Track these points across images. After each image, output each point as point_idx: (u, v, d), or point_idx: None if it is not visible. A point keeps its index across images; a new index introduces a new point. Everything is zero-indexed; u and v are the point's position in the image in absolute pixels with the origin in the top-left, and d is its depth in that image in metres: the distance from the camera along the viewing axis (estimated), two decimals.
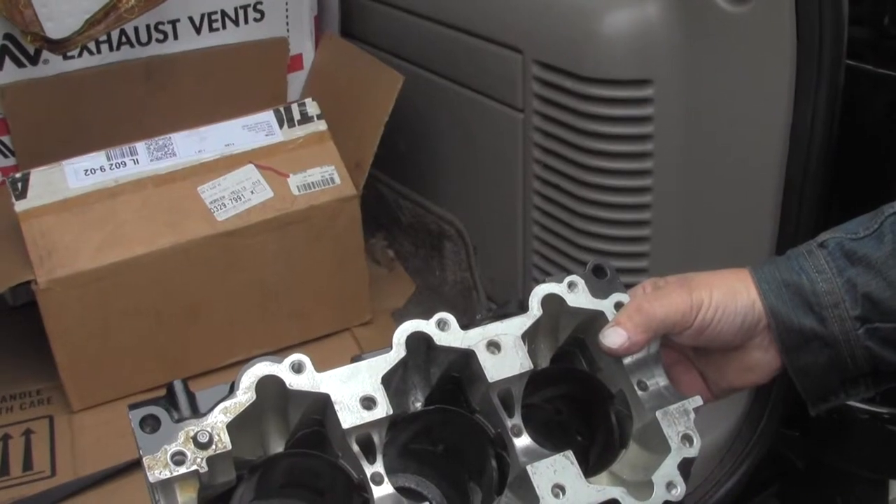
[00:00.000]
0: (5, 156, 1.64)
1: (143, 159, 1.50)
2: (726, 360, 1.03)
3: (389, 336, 0.97)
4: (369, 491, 0.91)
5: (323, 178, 1.54)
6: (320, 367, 0.98)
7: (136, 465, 1.35)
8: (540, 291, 1.01)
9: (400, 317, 1.72)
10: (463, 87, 1.57)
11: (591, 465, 1.05)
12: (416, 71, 1.63)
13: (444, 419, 1.00)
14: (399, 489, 1.07)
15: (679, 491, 0.95)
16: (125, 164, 1.49)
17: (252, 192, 1.50)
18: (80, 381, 1.49)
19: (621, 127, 1.33)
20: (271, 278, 1.53)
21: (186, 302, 1.48)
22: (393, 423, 0.99)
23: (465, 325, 0.98)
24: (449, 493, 1.09)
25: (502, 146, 1.52)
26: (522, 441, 0.97)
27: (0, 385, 1.57)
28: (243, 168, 1.52)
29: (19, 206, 1.44)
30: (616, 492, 0.94)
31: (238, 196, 1.49)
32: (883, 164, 1.25)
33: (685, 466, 0.97)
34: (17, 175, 1.46)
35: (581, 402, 1.09)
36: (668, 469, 0.96)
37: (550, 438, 1.14)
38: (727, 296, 0.98)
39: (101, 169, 1.48)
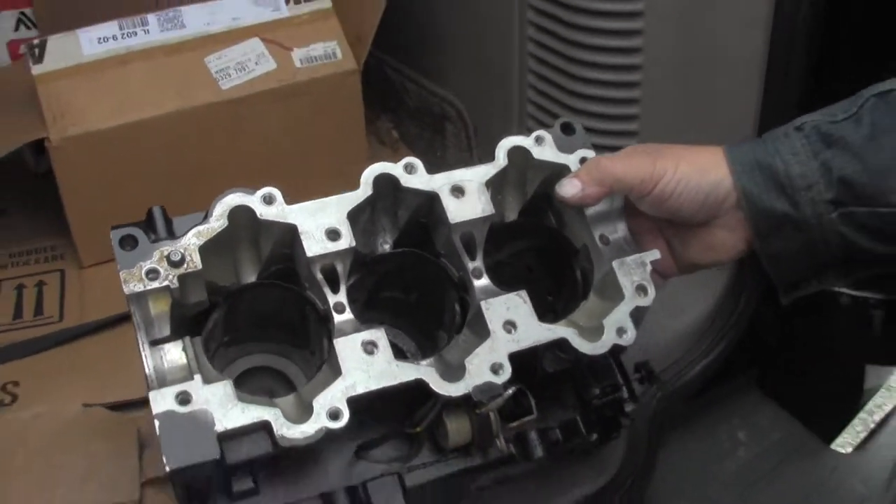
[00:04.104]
0: (28, 27, 1.71)
1: (154, 30, 1.55)
2: (691, 235, 1.04)
3: None
4: (331, 319, 0.97)
5: (325, 53, 1.58)
6: None
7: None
8: (507, 143, 1.06)
9: None
10: None
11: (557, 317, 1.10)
12: None
13: (411, 262, 1.06)
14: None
15: (629, 336, 1.00)
16: (136, 33, 1.54)
17: (256, 64, 1.55)
18: (90, 238, 1.56)
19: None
20: (274, 147, 1.58)
21: (192, 165, 1.54)
22: (363, 264, 1.05)
23: (431, 172, 1.04)
24: (422, 343, 1.15)
25: (499, 23, 1.55)
26: (482, 283, 1.02)
27: (18, 241, 1.65)
28: (249, 41, 1.57)
29: (36, 69, 1.50)
30: (567, 332, 0.98)
31: (242, 67, 1.54)
32: (870, 48, 1.26)
33: (637, 314, 1.02)
34: (36, 41, 1.52)
35: (549, 259, 1.14)
36: (620, 315, 1.01)
37: None
38: (693, 171, 0.98)
39: (114, 37, 1.54)
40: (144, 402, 1.27)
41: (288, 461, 0.99)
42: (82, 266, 1.59)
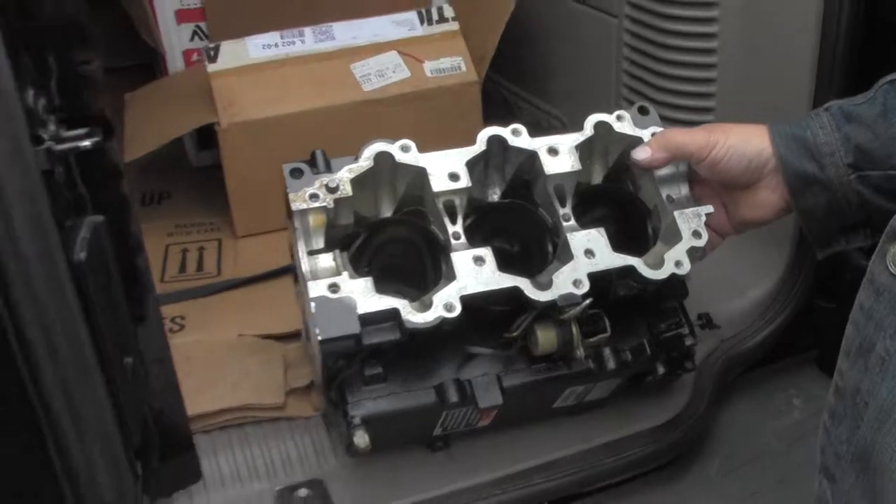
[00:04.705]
0: (200, 38, 2.04)
1: (309, 40, 1.86)
2: (741, 195, 1.27)
3: None
4: (449, 245, 1.23)
5: (452, 66, 1.86)
6: None
7: (280, 271, 1.71)
8: (593, 118, 1.31)
9: None
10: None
11: None
12: None
13: (515, 210, 1.31)
14: None
15: (685, 268, 1.24)
16: (294, 42, 1.85)
17: (393, 72, 1.84)
18: (245, 212, 1.85)
19: (690, 25, 1.62)
20: None
21: (334, 153, 1.82)
22: (477, 208, 1.30)
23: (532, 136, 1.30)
24: None
25: (599, 46, 1.82)
26: (570, 224, 1.27)
27: (182, 217, 1.96)
28: (388, 53, 1.86)
29: (210, 68, 1.82)
30: (635, 261, 1.23)
31: (382, 73, 1.83)
32: None
33: (693, 253, 1.25)
34: (211, 45, 1.84)
35: (627, 223, 1.38)
36: (678, 252, 1.25)
37: None
38: (740, 141, 1.22)
39: (276, 45, 1.84)
40: (288, 336, 1.57)
41: (410, 359, 1.25)
42: (236, 236, 1.88)
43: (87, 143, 1.00)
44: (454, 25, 1.91)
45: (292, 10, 1.94)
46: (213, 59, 1.83)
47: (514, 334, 1.24)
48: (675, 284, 1.32)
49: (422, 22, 1.91)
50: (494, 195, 1.33)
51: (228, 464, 1.41)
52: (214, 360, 1.52)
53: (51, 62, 0.99)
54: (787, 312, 1.62)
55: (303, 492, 1.38)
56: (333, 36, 1.87)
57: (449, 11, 1.92)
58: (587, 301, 1.20)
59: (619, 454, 1.42)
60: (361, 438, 1.22)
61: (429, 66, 1.86)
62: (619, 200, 1.36)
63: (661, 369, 1.39)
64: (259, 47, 1.84)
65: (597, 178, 1.36)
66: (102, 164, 1.07)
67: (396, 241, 1.29)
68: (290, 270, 1.56)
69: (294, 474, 1.40)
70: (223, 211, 1.90)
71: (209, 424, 1.44)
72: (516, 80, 2.14)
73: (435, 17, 1.92)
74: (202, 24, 2.02)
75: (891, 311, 0.86)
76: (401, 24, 1.90)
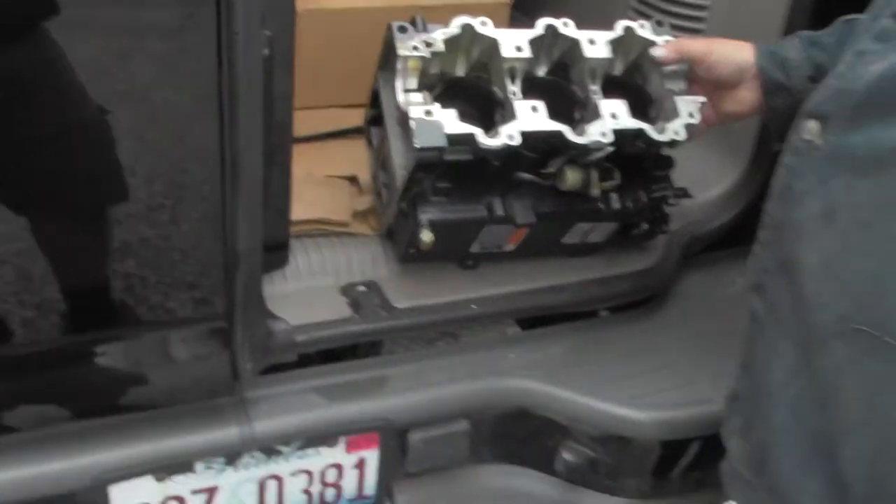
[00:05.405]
0: None
1: None
2: (727, 93, 1.65)
3: None
4: (509, 101, 1.63)
5: None
6: None
7: (343, 132, 2.08)
8: (622, 22, 1.72)
9: None
10: None
11: None
12: None
13: (554, 85, 1.72)
14: None
15: (682, 136, 1.64)
16: None
17: None
18: (303, 87, 2.21)
19: None
20: None
21: None
22: (526, 79, 1.70)
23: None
24: None
25: None
26: (599, 97, 1.67)
27: None
28: None
29: None
30: (646, 125, 1.64)
31: None
32: None
33: (689, 128, 1.66)
34: None
35: (634, 108, 1.78)
36: (677, 125, 1.65)
37: None
38: (732, 51, 1.61)
39: None
40: (348, 178, 1.94)
41: (467, 184, 1.65)
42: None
43: None
44: None
45: None
46: None
47: (551, 170, 1.65)
48: (666, 158, 1.75)
49: None
50: (540, 72, 1.73)
51: (303, 262, 1.79)
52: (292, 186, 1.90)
53: None
54: (739, 208, 2.06)
55: (361, 288, 1.77)
56: None
57: None
58: (610, 148, 1.61)
59: (607, 287, 1.84)
60: (427, 235, 1.62)
61: None
62: (630, 89, 1.77)
63: (644, 226, 1.81)
64: None
65: (617, 71, 1.77)
66: None
67: (468, 93, 1.68)
68: (352, 132, 1.97)
69: (354, 275, 1.79)
70: None
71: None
72: (529, 8, 2.54)
73: None
74: None
75: (803, 164, 1.23)
76: None
